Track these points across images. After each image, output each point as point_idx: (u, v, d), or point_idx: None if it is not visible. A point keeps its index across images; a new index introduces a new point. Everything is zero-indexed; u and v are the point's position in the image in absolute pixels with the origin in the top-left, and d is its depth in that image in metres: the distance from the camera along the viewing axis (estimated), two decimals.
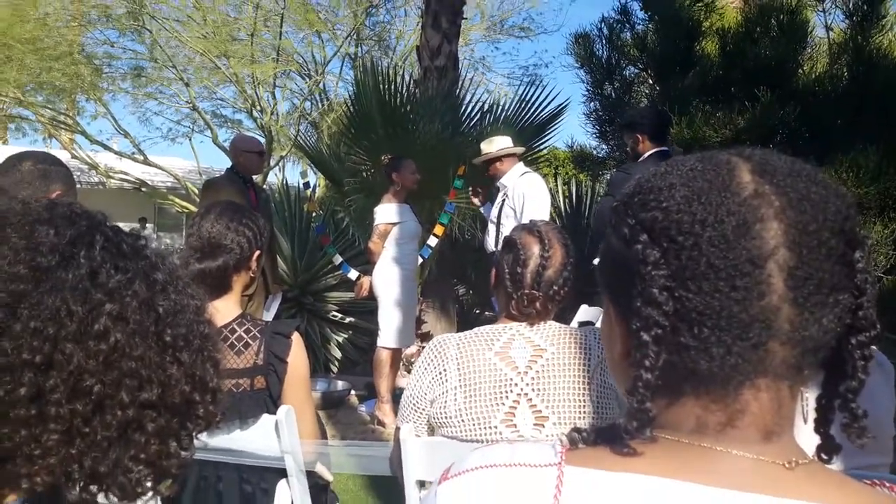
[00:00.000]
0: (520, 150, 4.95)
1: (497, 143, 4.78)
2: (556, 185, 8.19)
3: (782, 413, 0.65)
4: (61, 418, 0.74)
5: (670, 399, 0.66)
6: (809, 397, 0.68)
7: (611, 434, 0.69)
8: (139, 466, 0.80)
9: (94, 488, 0.80)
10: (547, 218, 4.46)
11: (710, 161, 0.66)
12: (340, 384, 5.67)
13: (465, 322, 6.53)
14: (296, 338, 2.04)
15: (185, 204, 15.55)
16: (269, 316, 4.72)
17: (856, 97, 4.90)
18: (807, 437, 0.70)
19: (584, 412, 1.74)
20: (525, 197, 4.51)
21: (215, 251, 2.03)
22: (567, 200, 7.68)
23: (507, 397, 1.76)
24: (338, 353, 6.50)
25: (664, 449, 0.66)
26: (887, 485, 0.67)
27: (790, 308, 0.61)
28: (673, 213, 0.64)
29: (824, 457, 0.68)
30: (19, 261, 0.75)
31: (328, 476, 2.28)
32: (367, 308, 6.07)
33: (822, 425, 0.69)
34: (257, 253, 2.13)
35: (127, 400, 0.78)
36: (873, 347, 1.75)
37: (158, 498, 2.15)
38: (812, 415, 0.69)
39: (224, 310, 2.05)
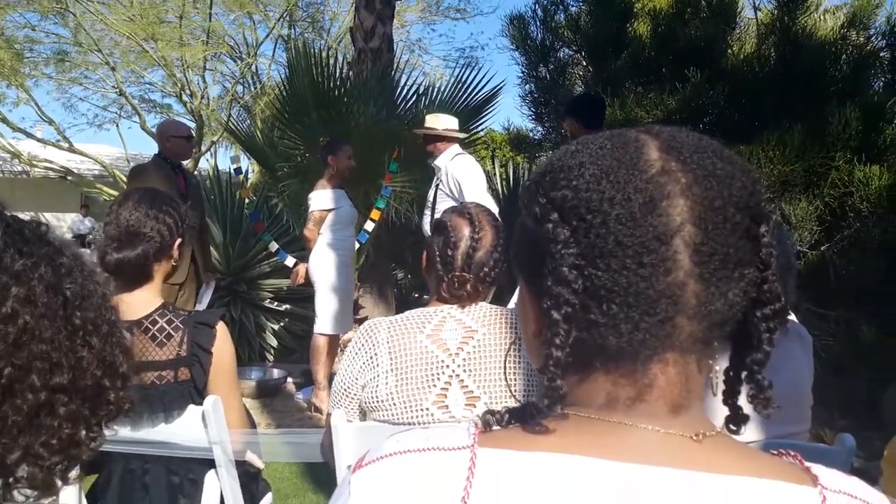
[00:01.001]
0: (462, 135, 4.95)
1: (444, 122, 4.75)
2: (494, 168, 8.21)
3: (690, 387, 0.65)
4: None
5: (581, 375, 0.67)
6: (719, 370, 0.68)
7: (523, 413, 0.69)
8: (50, 454, 0.79)
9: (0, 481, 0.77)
10: (487, 198, 4.46)
11: (618, 139, 0.66)
12: (276, 372, 5.61)
13: (404, 306, 6.50)
14: (220, 327, 1.99)
15: (113, 192, 15.12)
16: (201, 306, 4.62)
17: (782, 77, 5.05)
18: (720, 411, 0.70)
19: (516, 391, 1.75)
20: (461, 182, 4.49)
21: (134, 240, 1.96)
22: (504, 183, 7.72)
23: (438, 379, 1.75)
24: (273, 342, 6.42)
25: (575, 426, 0.66)
26: (792, 454, 0.68)
27: (696, 283, 0.62)
28: (582, 191, 0.64)
29: (733, 427, 0.69)
30: None
31: (259, 464, 2.24)
32: (302, 295, 6.01)
33: (730, 397, 0.70)
34: (178, 241, 2.07)
35: (38, 384, 0.78)
36: (793, 318, 1.80)
37: (82, 494, 2.09)
38: (721, 387, 0.69)
39: (145, 300, 1.99)
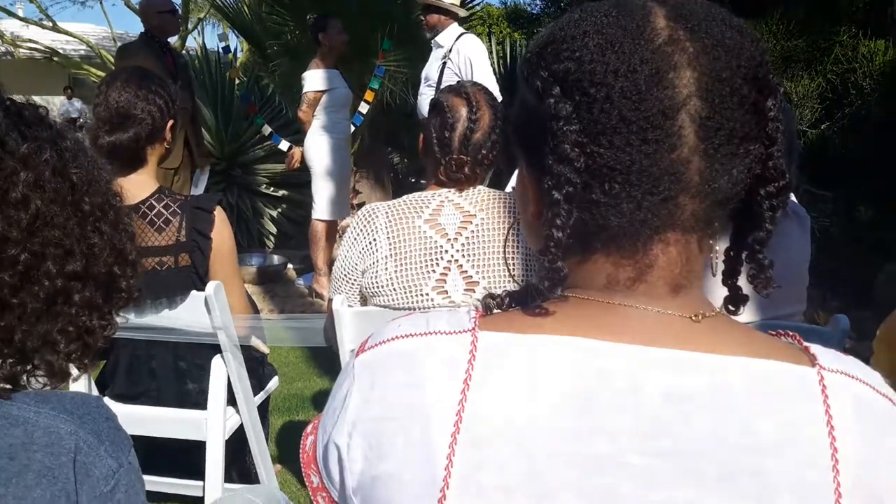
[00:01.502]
0: (464, 12, 4.78)
1: None
2: (491, 46, 7.96)
3: (690, 267, 0.64)
4: None
5: (582, 257, 0.66)
6: (719, 250, 0.68)
7: (523, 296, 0.69)
8: (67, 341, 0.81)
9: (19, 367, 0.79)
10: (494, 82, 4.38)
11: (625, 6, 0.63)
12: (276, 258, 5.64)
13: (401, 191, 6.47)
14: (218, 212, 1.99)
15: (100, 74, 14.70)
16: (197, 191, 4.60)
17: None
18: (719, 291, 0.71)
19: (514, 275, 1.76)
20: (472, 61, 4.39)
21: (125, 122, 1.93)
22: (501, 61, 7.51)
23: (437, 264, 1.76)
24: (272, 228, 6.43)
25: (575, 307, 0.66)
26: (790, 334, 0.69)
27: (700, 160, 0.60)
28: (586, 62, 0.61)
29: (732, 308, 0.69)
30: None
31: (264, 349, 2.29)
32: (299, 180, 5.96)
33: (729, 277, 0.69)
34: (171, 122, 2.03)
35: (53, 270, 0.78)
36: (791, 198, 1.78)
37: (92, 380, 2.15)
38: (721, 267, 0.69)
39: (140, 184, 1.97)
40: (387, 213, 1.79)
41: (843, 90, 4.60)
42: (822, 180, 4.42)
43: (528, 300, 0.68)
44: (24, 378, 0.80)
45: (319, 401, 3.35)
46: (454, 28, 4.57)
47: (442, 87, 4.43)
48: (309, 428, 0.75)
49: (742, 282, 0.68)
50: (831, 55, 4.60)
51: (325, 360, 3.72)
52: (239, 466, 2.26)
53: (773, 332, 0.69)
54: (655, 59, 0.59)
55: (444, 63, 4.53)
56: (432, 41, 4.63)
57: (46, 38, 16.28)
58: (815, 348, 0.65)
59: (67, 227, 0.80)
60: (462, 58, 4.43)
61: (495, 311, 0.71)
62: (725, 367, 0.61)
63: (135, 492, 0.79)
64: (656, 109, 0.59)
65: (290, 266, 5.55)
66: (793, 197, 1.82)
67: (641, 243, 0.63)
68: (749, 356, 0.62)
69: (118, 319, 0.91)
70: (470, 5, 6.71)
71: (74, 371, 0.85)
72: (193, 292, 1.94)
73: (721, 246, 0.68)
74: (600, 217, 0.62)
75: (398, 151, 7.46)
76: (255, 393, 2.18)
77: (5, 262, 0.75)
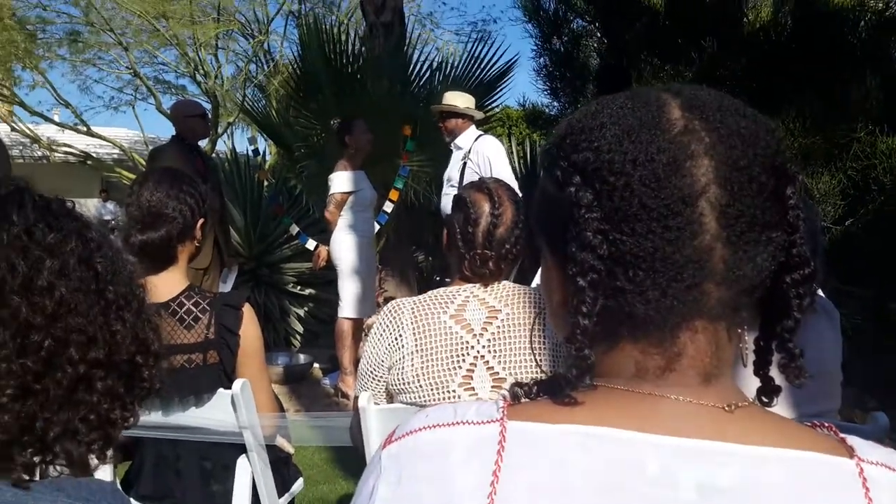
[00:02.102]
0: (481, 115, 4.94)
1: (465, 101, 4.76)
2: (511, 146, 8.16)
3: (720, 355, 0.64)
4: (13, 374, 0.74)
5: (608, 346, 0.66)
6: (749, 340, 0.68)
7: (552, 386, 0.69)
8: (88, 430, 0.81)
9: (39, 457, 0.79)
10: (513, 179, 4.47)
11: (639, 98, 0.65)
12: (303, 357, 5.63)
13: (426, 289, 6.46)
14: (247, 309, 2.00)
15: (132, 176, 15.17)
16: (225, 289, 4.65)
17: (800, 46, 4.95)
18: (751, 383, 0.70)
19: (542, 371, 1.75)
20: (491, 160, 4.51)
21: (156, 221, 1.97)
22: (521, 161, 7.67)
23: (464, 360, 1.75)
24: (299, 327, 6.44)
25: (604, 397, 0.65)
26: (826, 425, 0.67)
27: (723, 247, 0.60)
28: (604, 152, 0.62)
29: (765, 399, 0.68)
30: None
31: (289, 449, 2.26)
32: (325, 279, 6.02)
33: (761, 367, 0.69)
34: (201, 221, 2.07)
35: (76, 357, 0.79)
36: (820, 294, 1.77)
37: (117, 480, 2.13)
38: (751, 358, 0.68)
39: (171, 282, 2.00)
40: (412, 308, 1.80)
41: (864, 186, 4.62)
42: (849, 277, 4.37)
43: (556, 389, 0.68)
44: (43, 468, 0.80)
45: None
46: (472, 130, 4.72)
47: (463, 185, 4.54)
48: None
49: (775, 374, 0.68)
50: (850, 152, 4.64)
51: (351, 462, 3.64)
52: None
53: (809, 424, 0.68)
54: (672, 148, 0.61)
55: (465, 163, 4.64)
56: (451, 144, 4.75)
57: (81, 142, 16.88)
58: (853, 439, 0.64)
59: (91, 315, 0.81)
60: (482, 157, 4.55)
61: (523, 399, 0.70)
62: (761, 459, 0.60)
63: None
64: (676, 197, 0.60)
65: (316, 365, 5.53)
66: (820, 292, 1.81)
67: (669, 331, 0.63)
68: (785, 447, 0.61)
69: (141, 413, 0.92)
70: (489, 108, 6.91)
71: (94, 461, 0.84)
72: (220, 390, 1.93)
73: (751, 336, 0.68)
74: (626, 304, 0.62)
75: (422, 250, 7.54)
76: (280, 494, 2.14)
77: (29, 349, 0.76)
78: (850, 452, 0.62)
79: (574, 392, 0.65)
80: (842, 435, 0.65)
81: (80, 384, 0.80)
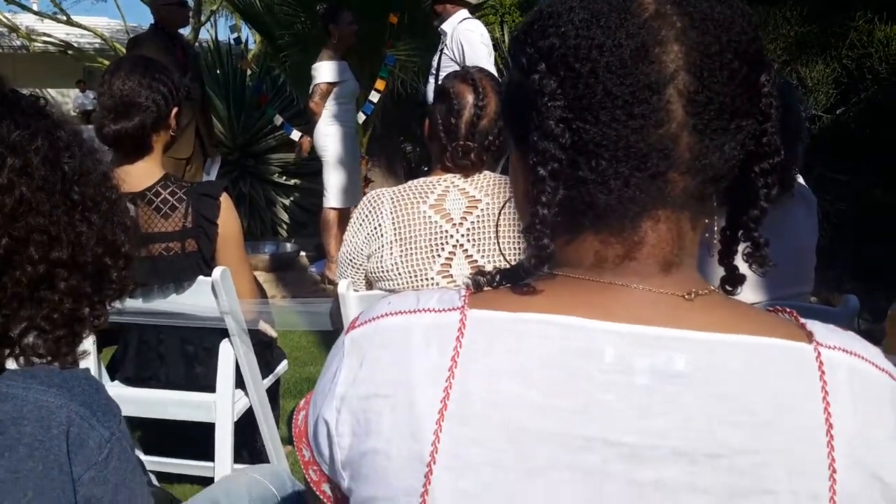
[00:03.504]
0: (474, 1, 4.74)
1: None
2: (503, 35, 7.92)
3: (682, 244, 0.64)
4: None
5: (570, 236, 0.65)
6: (715, 230, 0.67)
7: (513, 274, 0.69)
8: (53, 327, 0.81)
9: (5, 351, 0.80)
10: (491, 66, 4.33)
11: None
12: (289, 246, 5.67)
13: (414, 178, 6.47)
14: (224, 198, 1.99)
15: None
16: (209, 180, 4.61)
17: None
18: (717, 272, 0.70)
19: (511, 256, 1.75)
20: (464, 46, 4.36)
21: (130, 110, 1.93)
22: (509, 51, 7.45)
23: (442, 249, 1.76)
24: (285, 216, 6.45)
25: (564, 286, 0.65)
26: (788, 310, 0.67)
27: (690, 135, 0.59)
28: (570, 38, 0.60)
29: (729, 288, 0.68)
30: None
31: (272, 333, 2.30)
32: (311, 169, 5.98)
33: (725, 256, 0.69)
34: (175, 109, 2.04)
35: (36, 256, 0.78)
36: (800, 180, 1.76)
37: (102, 365, 2.17)
38: (717, 247, 0.68)
39: (146, 171, 1.98)
40: (392, 198, 1.79)
41: (858, 75, 4.55)
42: (837, 165, 4.37)
43: (518, 279, 0.68)
44: (12, 361, 0.80)
45: None
46: (459, 15, 4.54)
47: (440, 73, 4.42)
48: (302, 403, 0.75)
49: (741, 262, 0.68)
50: (846, 40, 4.54)
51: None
52: (250, 448, 2.28)
53: (771, 309, 0.68)
54: (641, 33, 0.58)
55: (442, 50, 4.52)
56: (439, 29, 4.61)
57: (61, 31, 16.39)
58: (813, 324, 0.64)
59: (54, 215, 0.80)
60: (456, 44, 4.39)
61: (485, 288, 0.70)
62: (717, 344, 0.60)
63: (126, 458, 0.81)
64: (642, 84, 0.58)
65: (302, 253, 5.58)
66: (800, 179, 1.81)
67: (630, 221, 0.62)
68: (743, 333, 0.61)
69: (118, 306, 0.92)
70: None
71: (67, 355, 0.85)
72: (200, 277, 1.95)
73: (718, 225, 0.67)
74: (588, 195, 0.61)
75: (410, 140, 7.46)
76: (264, 376, 2.20)
77: None
78: (808, 337, 0.63)
79: (534, 281, 0.65)
80: (802, 320, 0.65)
81: (42, 283, 0.80)
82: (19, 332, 0.80)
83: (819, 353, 0.61)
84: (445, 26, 4.53)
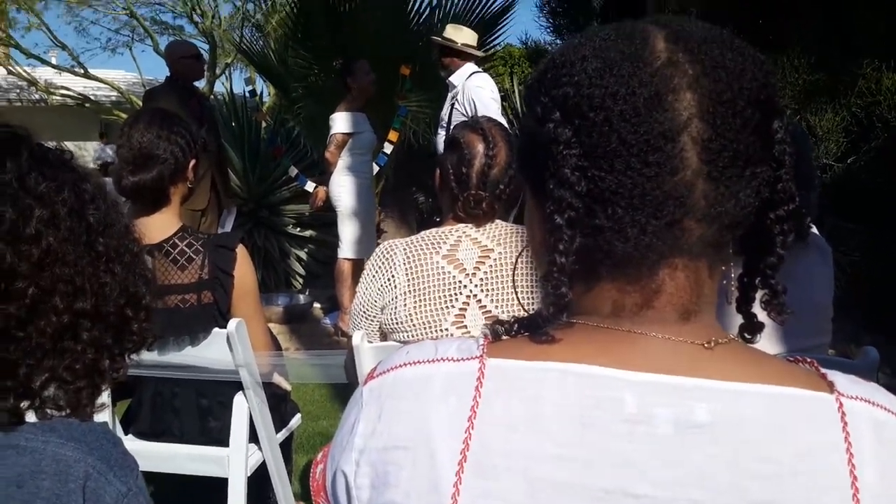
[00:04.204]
0: (480, 54, 4.82)
1: (464, 36, 4.63)
2: (513, 85, 8.03)
3: (700, 292, 0.63)
4: None
5: (588, 284, 0.65)
6: (733, 277, 0.67)
7: (531, 323, 0.68)
8: (74, 378, 0.82)
9: (24, 403, 0.80)
10: (501, 120, 4.38)
11: (623, 30, 0.63)
12: (303, 298, 5.68)
13: (426, 229, 6.49)
14: (240, 249, 2.01)
15: None
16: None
17: None
18: (735, 321, 0.69)
19: (524, 309, 1.75)
20: (475, 100, 4.41)
21: (148, 162, 1.96)
22: (523, 101, 7.54)
23: (456, 299, 1.75)
24: (299, 268, 6.47)
25: (582, 335, 0.65)
26: (808, 360, 0.67)
27: (705, 183, 0.59)
28: (584, 87, 0.60)
29: (748, 336, 0.68)
30: None
31: (286, 386, 2.29)
32: (325, 221, 6.02)
33: (743, 304, 0.68)
34: (193, 161, 2.06)
35: (61, 306, 0.79)
36: (814, 230, 1.75)
37: (116, 418, 2.16)
38: (735, 295, 0.67)
39: (164, 223, 2.00)
40: (405, 249, 1.80)
41: (868, 123, 4.56)
42: (850, 214, 4.36)
43: (537, 327, 0.67)
44: (32, 413, 0.80)
45: None
46: (468, 67, 4.59)
47: (451, 126, 4.47)
48: (319, 456, 0.75)
49: (760, 310, 0.67)
50: (855, 88, 4.57)
51: (350, 397, 3.70)
52: (263, 503, 2.25)
53: (791, 359, 0.68)
54: (654, 81, 0.59)
55: (453, 103, 4.56)
56: (447, 81, 4.67)
57: (78, 84, 16.73)
58: (834, 374, 0.64)
59: (79, 266, 0.81)
60: (467, 97, 4.44)
61: (504, 337, 0.70)
62: (739, 395, 0.60)
63: None
64: (656, 132, 0.58)
65: (316, 305, 5.58)
66: (814, 229, 1.80)
67: (647, 269, 0.62)
68: (764, 383, 0.60)
69: (135, 359, 0.93)
70: (490, 46, 6.78)
71: (86, 407, 0.85)
72: (216, 329, 1.95)
73: (735, 273, 0.67)
74: (605, 242, 0.61)
75: (422, 191, 7.51)
76: (278, 430, 2.18)
77: (13, 295, 0.76)
78: (829, 387, 0.62)
79: (552, 329, 0.65)
80: (823, 370, 0.65)
81: (66, 333, 0.81)
82: (40, 384, 0.80)
83: (841, 404, 0.60)
84: (454, 79, 4.58)
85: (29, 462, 0.75)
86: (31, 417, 0.81)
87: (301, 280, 6.47)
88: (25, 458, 0.75)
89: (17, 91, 16.79)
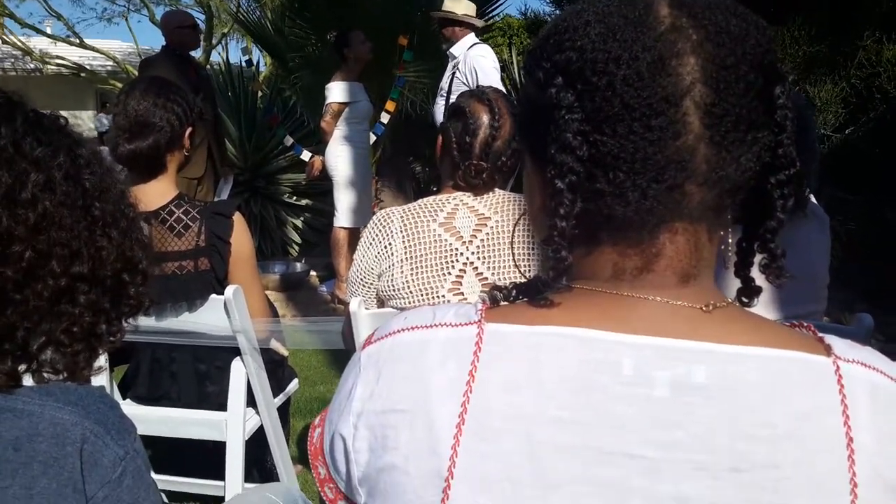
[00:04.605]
0: (480, 23, 4.79)
1: (463, 7, 4.62)
2: (511, 56, 7.96)
3: (700, 256, 0.63)
4: None
5: (588, 248, 0.65)
6: (731, 242, 0.67)
7: (530, 288, 0.68)
8: (71, 341, 0.82)
9: (22, 365, 0.80)
10: (500, 87, 4.37)
11: None
12: (299, 266, 5.68)
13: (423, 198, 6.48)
14: (237, 217, 2.00)
15: None
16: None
17: None
18: (733, 286, 0.70)
19: (522, 275, 1.75)
20: (477, 70, 4.41)
21: (144, 130, 1.95)
22: (522, 72, 7.48)
23: (453, 267, 1.76)
24: (295, 236, 6.48)
25: (582, 299, 0.65)
26: (806, 325, 0.67)
27: (707, 147, 0.59)
28: (587, 51, 0.60)
29: (745, 300, 0.68)
30: None
31: (283, 351, 2.30)
32: (321, 189, 6.02)
33: (741, 268, 0.68)
34: (189, 129, 2.05)
35: (58, 270, 0.79)
36: (812, 200, 1.75)
37: (114, 383, 2.17)
38: (733, 259, 0.68)
39: (160, 191, 2.00)
40: (402, 217, 1.80)
41: (867, 95, 4.55)
42: (848, 184, 4.36)
43: (535, 292, 0.68)
44: (30, 376, 0.81)
45: None
46: (469, 38, 4.60)
47: (451, 96, 4.46)
48: (317, 420, 0.75)
49: (757, 275, 0.67)
50: (855, 60, 4.55)
51: (347, 363, 3.73)
52: (260, 467, 2.27)
53: (789, 324, 0.68)
54: (658, 46, 0.59)
55: (454, 73, 4.56)
56: (447, 52, 4.66)
57: (74, 54, 16.58)
58: (831, 338, 0.64)
59: (76, 230, 0.81)
60: (469, 67, 4.45)
61: (502, 303, 0.70)
62: (736, 357, 0.60)
63: (140, 476, 0.80)
64: (659, 96, 0.58)
65: (312, 273, 5.59)
66: (813, 198, 1.81)
67: (648, 233, 0.62)
68: (762, 346, 0.61)
69: (128, 326, 0.93)
70: (489, 17, 6.72)
71: (84, 370, 0.86)
72: (213, 296, 1.95)
73: (734, 238, 0.67)
74: (605, 207, 0.61)
75: (419, 161, 7.49)
76: (276, 395, 2.19)
77: (10, 258, 0.76)
78: (827, 351, 0.62)
79: (551, 294, 0.65)
80: (820, 334, 0.65)
81: (63, 296, 0.81)
82: (37, 347, 0.80)
83: (838, 367, 0.61)
84: (455, 50, 4.58)
85: (26, 425, 0.75)
86: (27, 381, 0.81)
87: (297, 248, 6.48)
88: (23, 421, 0.75)
89: (12, 61, 16.64)
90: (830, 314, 1.78)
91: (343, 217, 4.89)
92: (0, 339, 0.78)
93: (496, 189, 1.84)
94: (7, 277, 0.76)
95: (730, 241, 0.66)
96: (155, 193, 1.97)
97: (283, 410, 2.34)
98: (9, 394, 0.77)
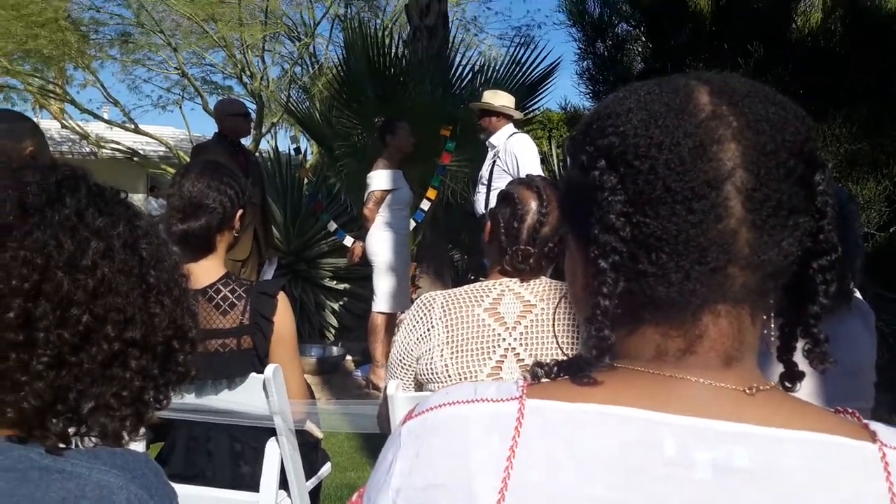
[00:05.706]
0: (518, 115, 4.92)
1: (502, 99, 4.76)
2: (551, 149, 8.11)
3: (743, 339, 0.64)
4: (50, 343, 0.77)
5: (630, 328, 0.66)
6: (774, 327, 0.67)
7: (572, 366, 0.69)
8: (120, 405, 0.84)
9: (72, 428, 0.82)
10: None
11: (668, 84, 0.65)
12: (336, 350, 5.70)
13: (460, 286, 6.50)
14: (281, 297, 2.04)
15: None
16: None
17: (849, 51, 4.85)
18: (776, 370, 0.69)
19: (563, 348, 1.74)
20: (518, 158, 4.49)
21: (197, 211, 2.02)
22: (562, 164, 7.62)
23: (494, 352, 1.75)
24: (333, 320, 6.52)
25: (624, 378, 0.65)
26: (850, 411, 0.66)
27: (748, 231, 0.60)
28: (630, 137, 0.62)
29: (788, 385, 0.68)
30: (7, 198, 0.79)
31: (318, 434, 2.29)
32: (361, 274, 6.08)
33: (784, 353, 0.68)
34: (240, 211, 2.11)
35: (112, 334, 0.82)
36: (857, 295, 1.73)
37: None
38: (776, 343, 0.68)
39: (209, 269, 2.04)
40: (444, 301, 1.81)
41: None
42: (893, 284, 4.28)
43: (576, 370, 0.68)
44: (77, 440, 0.83)
45: None
46: (507, 128, 4.70)
47: (493, 185, 4.53)
48: (354, 497, 0.75)
49: (801, 362, 0.67)
50: None
51: (379, 449, 3.67)
52: None
53: (832, 410, 0.67)
54: (699, 133, 0.61)
55: (494, 161, 4.64)
56: (486, 143, 4.76)
57: (128, 139, 17.22)
58: (876, 425, 0.63)
59: (131, 297, 0.84)
60: (510, 155, 4.53)
61: (543, 380, 0.70)
62: (779, 440, 0.59)
63: None
64: (701, 180, 0.60)
65: (349, 357, 5.59)
66: (858, 294, 1.78)
67: (691, 314, 0.62)
68: (805, 430, 0.60)
69: (174, 396, 0.95)
70: (530, 111, 6.90)
71: (126, 437, 0.87)
72: (253, 374, 1.97)
73: (777, 322, 0.68)
74: (648, 287, 0.62)
75: (458, 248, 7.55)
76: (308, 477, 2.17)
77: (68, 321, 0.79)
78: (872, 437, 0.61)
79: (594, 372, 0.65)
80: (864, 421, 0.64)
81: (115, 361, 0.83)
82: (88, 410, 0.82)
83: (884, 454, 0.60)
84: (494, 139, 4.68)
85: (74, 487, 0.76)
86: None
87: (334, 332, 6.51)
88: (71, 482, 0.76)
89: (70, 144, 17.34)
90: (877, 415, 1.72)
91: (382, 302, 4.92)
92: (53, 401, 0.80)
93: (542, 277, 1.85)
94: (64, 340, 0.79)
95: (772, 324, 0.67)
96: (203, 272, 2.02)
97: (315, 494, 2.31)
98: (58, 455, 0.79)
